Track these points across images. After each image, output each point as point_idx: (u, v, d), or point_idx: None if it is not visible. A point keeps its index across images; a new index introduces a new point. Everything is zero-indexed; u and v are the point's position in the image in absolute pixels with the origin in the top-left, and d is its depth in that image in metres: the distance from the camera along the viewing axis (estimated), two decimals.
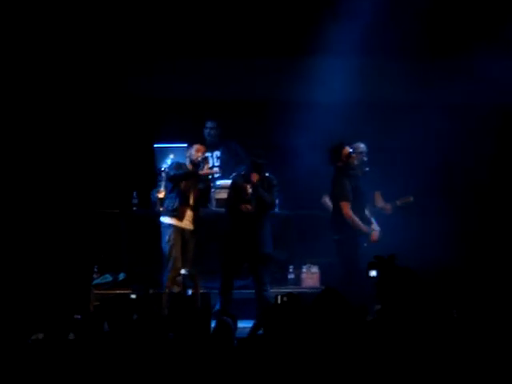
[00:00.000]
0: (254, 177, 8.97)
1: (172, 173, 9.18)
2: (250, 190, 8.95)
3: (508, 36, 9.91)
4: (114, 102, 10.85)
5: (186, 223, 9.08)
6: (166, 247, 9.04)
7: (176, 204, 9.05)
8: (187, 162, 9.19)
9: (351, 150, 9.04)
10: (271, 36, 10.47)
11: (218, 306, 8.94)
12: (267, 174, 9.10)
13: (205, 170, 9.14)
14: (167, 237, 9.03)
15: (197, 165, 9.10)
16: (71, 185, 10.46)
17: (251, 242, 8.94)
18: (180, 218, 9.02)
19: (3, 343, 5.35)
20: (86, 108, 10.68)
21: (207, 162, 9.23)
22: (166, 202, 9.19)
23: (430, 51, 10.51)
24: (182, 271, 8.35)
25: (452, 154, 10.44)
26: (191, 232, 9.11)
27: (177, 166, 9.19)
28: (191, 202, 9.10)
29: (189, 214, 9.09)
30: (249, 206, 8.90)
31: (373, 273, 6.58)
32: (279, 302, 5.91)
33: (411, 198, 9.54)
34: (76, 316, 6.60)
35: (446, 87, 10.41)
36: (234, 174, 9.57)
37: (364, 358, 5.00)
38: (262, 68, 10.84)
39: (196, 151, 9.13)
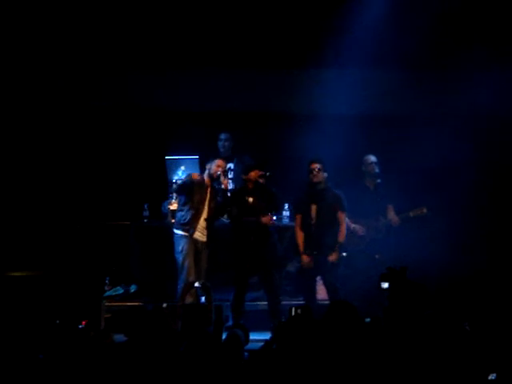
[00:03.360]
0: (256, 173, 9.09)
1: (180, 182, 9.23)
2: (251, 200, 9.04)
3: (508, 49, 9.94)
4: (125, 114, 10.87)
5: (199, 235, 9.07)
6: (179, 257, 9.04)
7: (188, 217, 9.04)
8: (205, 175, 9.17)
9: (312, 167, 9.09)
10: (280, 49, 10.54)
11: (230, 322, 8.92)
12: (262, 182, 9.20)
13: (224, 183, 9.11)
14: (180, 247, 9.04)
15: (215, 179, 9.08)
16: (82, 197, 10.48)
17: (262, 250, 9.02)
18: (191, 230, 9.01)
19: (13, 356, 5.34)
20: (97, 120, 10.71)
21: (226, 176, 9.19)
22: (178, 215, 9.18)
23: (435, 63, 10.56)
24: (196, 284, 8.33)
25: (462, 164, 10.42)
26: (204, 243, 9.10)
27: (190, 177, 9.16)
28: (204, 214, 9.08)
29: (201, 225, 9.08)
30: (268, 219, 9.05)
31: (385, 285, 6.56)
32: (293, 314, 5.90)
33: (424, 210, 9.51)
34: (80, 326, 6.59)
35: (452, 98, 10.45)
36: (231, 190, 9.56)
37: (375, 368, 4.99)
38: (270, 80, 10.87)
39: (216, 166, 9.09)
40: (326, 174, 9.15)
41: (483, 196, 10.55)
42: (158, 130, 10.87)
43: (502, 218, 10.65)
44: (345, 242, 9.13)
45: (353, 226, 9.39)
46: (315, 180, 9.12)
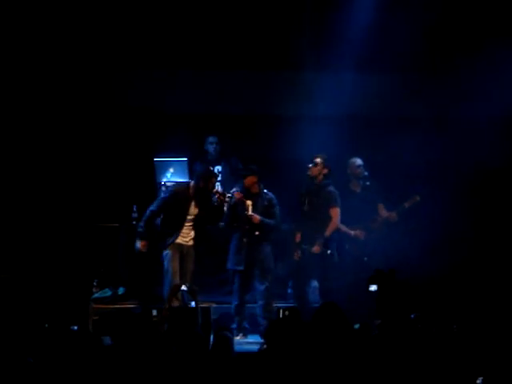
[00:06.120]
0: (252, 179, 9.06)
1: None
2: (250, 206, 8.98)
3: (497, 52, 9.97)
4: (114, 115, 10.85)
5: (183, 240, 8.94)
6: (164, 262, 8.97)
7: (168, 231, 8.93)
8: (193, 184, 9.03)
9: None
10: (267, 51, 10.56)
11: (234, 325, 8.92)
12: (266, 191, 9.13)
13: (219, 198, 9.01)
14: (165, 252, 8.96)
15: (206, 193, 8.95)
16: (71, 198, 10.45)
17: (256, 259, 9.01)
18: (174, 237, 8.93)
19: (2, 360, 5.32)
20: (85, 121, 10.69)
21: (220, 194, 9.03)
22: (161, 224, 9.06)
23: (423, 65, 10.59)
24: (183, 287, 8.31)
25: (448, 166, 10.47)
26: (190, 247, 9.03)
27: (175, 193, 9.08)
28: (187, 218, 8.97)
29: (185, 230, 8.97)
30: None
31: (373, 287, 6.58)
32: (281, 316, 5.90)
33: (418, 198, 9.49)
34: (72, 327, 6.57)
35: (438, 100, 10.50)
36: (232, 191, 9.50)
37: (364, 372, 4.99)
38: (259, 83, 10.89)
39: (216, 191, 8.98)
40: (325, 171, 9.12)
41: (469, 194, 10.57)
42: (147, 131, 10.84)
43: (486, 216, 10.67)
44: (332, 237, 9.10)
45: (353, 232, 9.34)
46: (310, 174, 9.11)
